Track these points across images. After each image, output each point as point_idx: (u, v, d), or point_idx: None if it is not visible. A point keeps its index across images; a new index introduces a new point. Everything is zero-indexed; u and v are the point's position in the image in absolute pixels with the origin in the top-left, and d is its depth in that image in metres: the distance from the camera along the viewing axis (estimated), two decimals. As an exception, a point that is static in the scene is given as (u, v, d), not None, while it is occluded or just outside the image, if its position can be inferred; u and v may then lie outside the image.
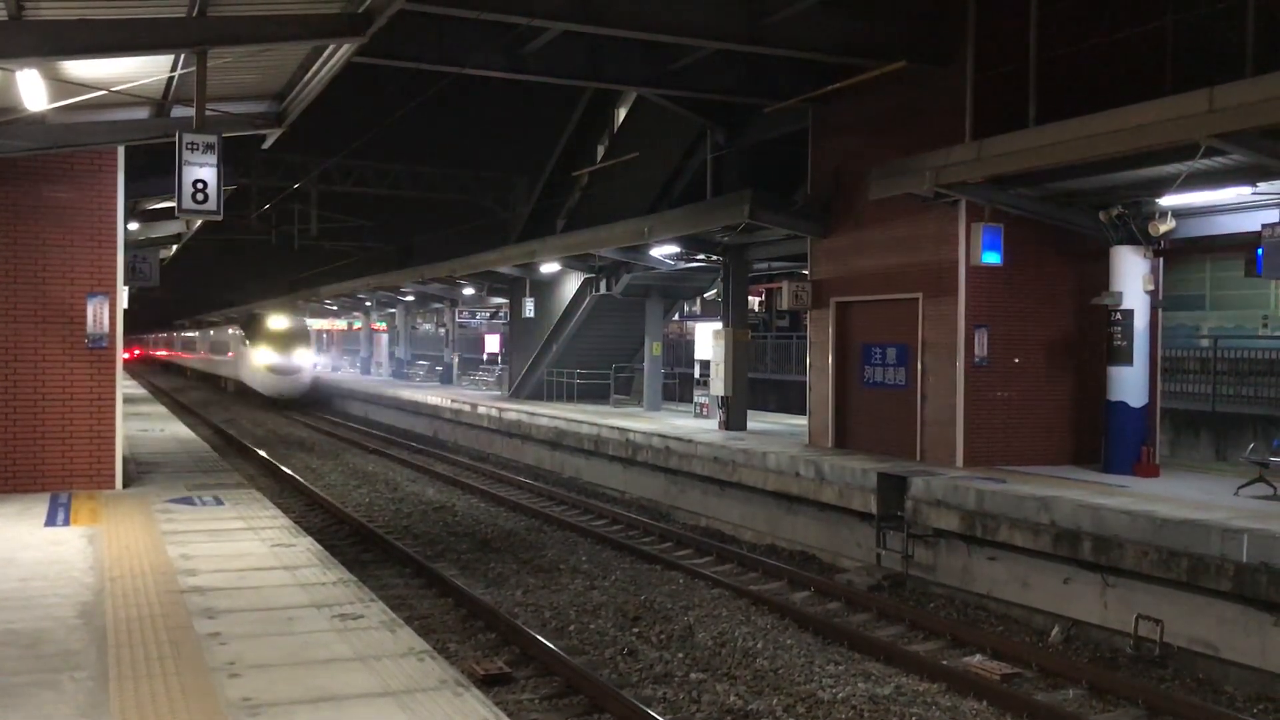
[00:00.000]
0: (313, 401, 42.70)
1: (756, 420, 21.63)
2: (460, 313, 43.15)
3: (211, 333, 57.79)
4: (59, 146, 10.74)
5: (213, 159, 8.33)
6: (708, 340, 21.27)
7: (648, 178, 25.59)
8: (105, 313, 11.12)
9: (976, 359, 14.59)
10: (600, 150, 29.72)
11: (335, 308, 52.97)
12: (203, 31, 8.16)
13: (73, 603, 6.78)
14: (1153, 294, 13.95)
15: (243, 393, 45.47)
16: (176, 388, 57.11)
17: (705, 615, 11.18)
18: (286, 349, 41.28)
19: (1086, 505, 10.95)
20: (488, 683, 8.75)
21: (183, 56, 9.00)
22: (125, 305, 12.41)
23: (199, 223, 18.56)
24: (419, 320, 55.56)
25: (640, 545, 14.71)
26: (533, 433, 24.18)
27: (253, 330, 42.49)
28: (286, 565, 7.98)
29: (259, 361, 41.08)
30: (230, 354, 47.95)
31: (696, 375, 24.41)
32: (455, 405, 29.82)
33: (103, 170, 11.18)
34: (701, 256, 21.03)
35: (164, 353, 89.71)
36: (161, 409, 27.39)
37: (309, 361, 42.55)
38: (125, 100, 10.55)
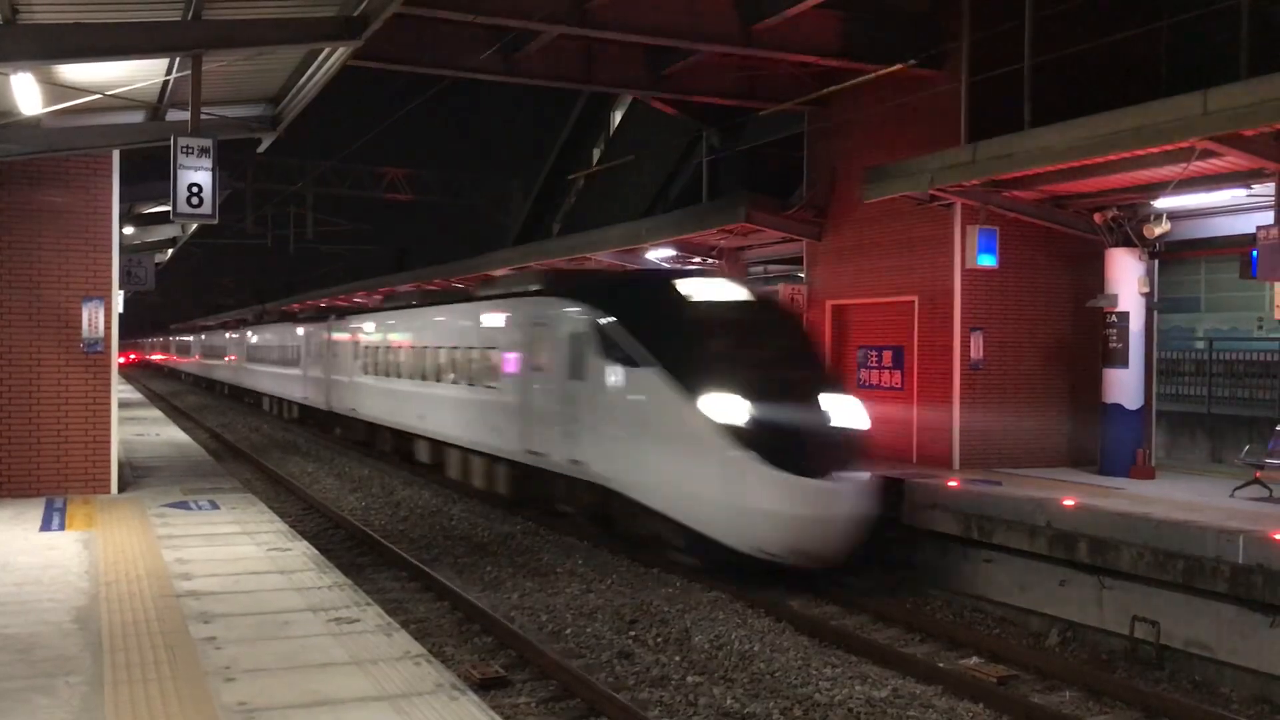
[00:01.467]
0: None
1: (753, 423, 21.54)
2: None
3: (393, 325, 22.78)
4: (54, 151, 10.74)
5: (208, 163, 8.33)
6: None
7: (644, 181, 25.65)
8: (100, 317, 11.11)
9: (972, 361, 14.61)
10: (596, 154, 29.80)
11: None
12: (198, 35, 8.16)
13: (68, 607, 6.76)
14: (1148, 296, 13.98)
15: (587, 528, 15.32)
16: (173, 391, 56.83)
17: (702, 618, 11.16)
18: (804, 388, 12.06)
19: (1084, 507, 10.95)
20: (484, 686, 8.72)
21: (178, 60, 9.00)
22: (121, 309, 12.40)
23: (194, 226, 18.56)
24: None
25: (637, 548, 14.65)
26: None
27: (662, 317, 13.11)
28: (282, 569, 7.97)
29: (706, 429, 11.51)
30: (554, 382, 14.73)
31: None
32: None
33: (98, 174, 11.18)
34: (698, 259, 21.05)
35: (159, 356, 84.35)
36: (157, 413, 27.36)
37: (862, 429, 12.13)
38: (120, 104, 10.55)
